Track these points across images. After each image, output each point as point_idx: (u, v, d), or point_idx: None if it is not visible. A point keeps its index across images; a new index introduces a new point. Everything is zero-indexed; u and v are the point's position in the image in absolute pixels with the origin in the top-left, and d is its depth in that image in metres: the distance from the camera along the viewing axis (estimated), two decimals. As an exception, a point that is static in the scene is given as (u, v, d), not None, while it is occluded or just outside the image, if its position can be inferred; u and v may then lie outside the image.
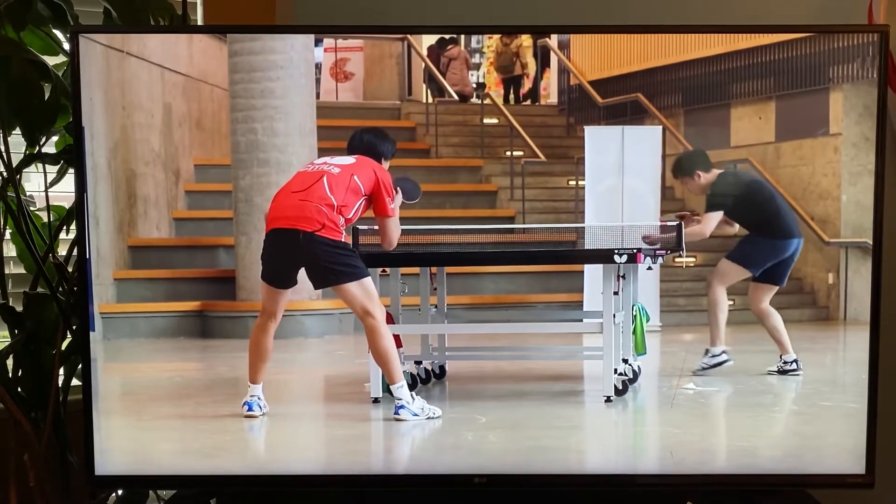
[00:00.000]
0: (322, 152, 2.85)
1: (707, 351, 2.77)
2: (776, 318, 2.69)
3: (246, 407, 2.52)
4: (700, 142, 2.88)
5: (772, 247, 2.71)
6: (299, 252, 2.51)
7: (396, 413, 2.51)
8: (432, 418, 2.51)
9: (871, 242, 2.24)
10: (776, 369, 2.71)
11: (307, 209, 2.49)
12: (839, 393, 2.47)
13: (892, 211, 2.26)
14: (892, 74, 2.62)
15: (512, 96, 3.94)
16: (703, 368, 2.76)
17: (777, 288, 2.71)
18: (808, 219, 2.74)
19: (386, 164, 2.61)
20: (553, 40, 3.46)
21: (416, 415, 2.51)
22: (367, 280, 2.54)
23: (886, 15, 2.62)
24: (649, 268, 2.69)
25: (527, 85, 3.94)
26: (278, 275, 2.55)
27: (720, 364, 2.75)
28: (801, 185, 2.73)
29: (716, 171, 2.69)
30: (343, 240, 2.52)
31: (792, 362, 2.70)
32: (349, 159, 2.57)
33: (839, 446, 2.29)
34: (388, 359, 2.53)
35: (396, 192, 2.60)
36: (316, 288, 2.60)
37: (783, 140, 2.87)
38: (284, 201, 2.52)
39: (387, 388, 2.66)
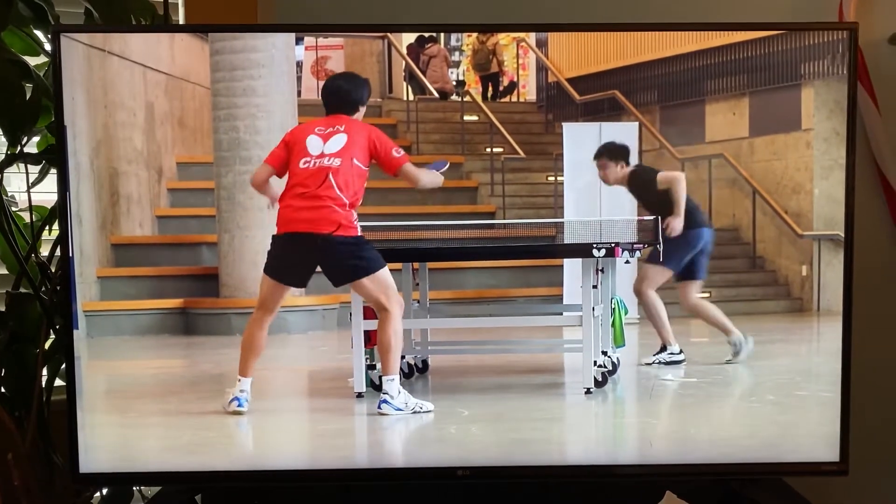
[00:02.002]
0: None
1: (664, 348, 2.81)
2: (709, 307, 2.74)
3: (235, 402, 2.53)
4: (676, 137, 2.92)
5: (684, 240, 2.76)
6: (317, 254, 2.53)
7: (379, 407, 2.53)
8: (419, 412, 2.53)
9: (842, 235, 2.28)
10: (731, 356, 2.75)
11: (321, 212, 2.51)
12: (813, 382, 2.51)
13: (862, 204, 2.31)
14: (861, 71, 2.67)
15: (490, 93, 3.96)
16: (658, 363, 2.80)
17: (700, 282, 2.77)
18: (781, 212, 2.78)
19: (363, 108, 2.59)
20: (531, 38, 3.48)
21: (399, 409, 2.52)
22: (383, 272, 2.54)
23: (856, 12, 2.67)
24: (627, 261, 2.73)
25: (505, 82, 3.96)
26: (290, 274, 2.57)
27: (676, 363, 2.79)
28: (775, 180, 2.77)
29: (632, 165, 2.76)
30: (357, 231, 2.53)
31: (738, 343, 2.74)
32: (340, 139, 2.54)
33: (814, 435, 2.33)
34: (392, 351, 2.56)
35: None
36: (336, 285, 2.60)
37: (757, 135, 2.91)
38: (294, 203, 2.53)
39: (370, 383, 2.69)
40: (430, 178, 2.60)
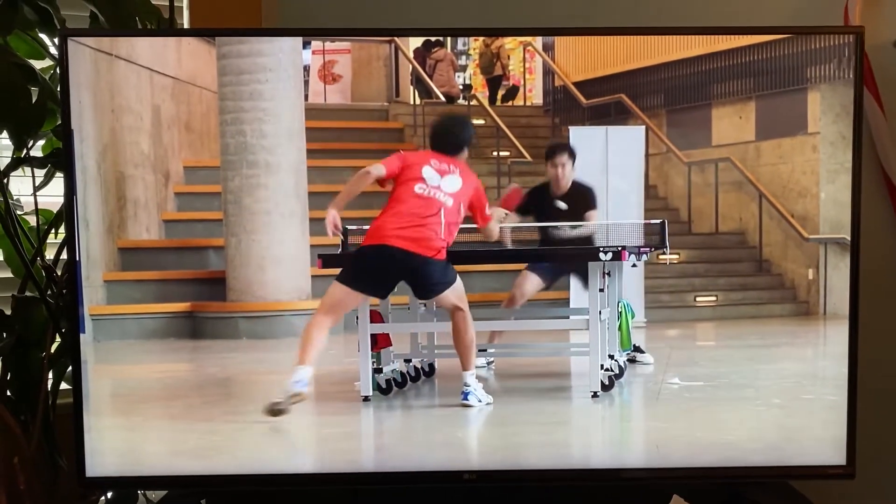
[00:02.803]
0: (311, 154, 2.86)
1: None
2: None
3: (297, 385, 2.53)
4: (682, 141, 2.92)
5: None
6: (409, 272, 2.63)
7: (466, 398, 2.60)
8: (489, 404, 2.60)
9: (849, 238, 2.28)
10: None
11: (425, 237, 2.61)
12: (820, 386, 2.51)
13: (868, 207, 2.31)
14: (867, 74, 2.67)
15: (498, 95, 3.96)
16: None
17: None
18: (788, 216, 2.78)
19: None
20: (538, 42, 3.49)
21: (480, 400, 2.59)
22: (459, 282, 2.64)
23: (861, 16, 2.67)
24: (634, 265, 2.73)
25: (509, 85, 3.96)
26: (372, 285, 2.65)
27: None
28: (781, 183, 2.77)
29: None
30: (445, 255, 2.64)
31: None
32: (455, 181, 2.66)
33: (821, 438, 2.33)
34: (470, 349, 2.64)
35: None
36: (420, 299, 2.77)
37: (763, 139, 2.90)
38: (403, 221, 2.61)
39: (377, 387, 2.69)
40: (495, 236, 2.76)
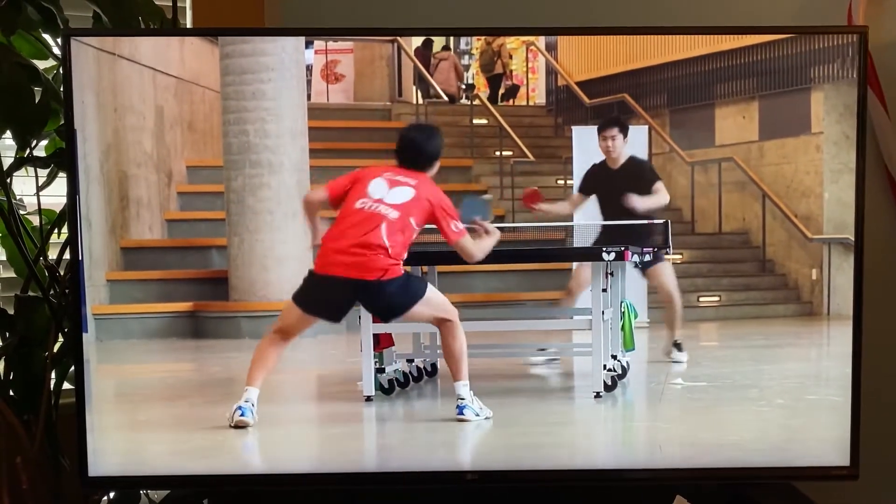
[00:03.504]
0: (314, 154, 2.86)
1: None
2: None
3: (238, 412, 2.45)
4: (685, 141, 2.91)
5: None
6: (360, 297, 2.51)
7: (461, 413, 2.49)
8: (489, 418, 2.50)
9: (853, 238, 2.27)
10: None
11: (367, 260, 2.46)
12: (823, 387, 2.51)
13: (872, 207, 2.30)
14: (871, 74, 2.66)
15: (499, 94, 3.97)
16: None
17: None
18: (791, 216, 2.78)
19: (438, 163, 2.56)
20: (541, 42, 3.49)
21: (477, 414, 2.49)
22: (429, 294, 2.51)
23: (865, 16, 2.66)
24: (636, 265, 2.73)
25: (510, 84, 3.97)
26: (325, 310, 2.53)
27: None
28: (785, 183, 2.77)
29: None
30: (402, 271, 2.49)
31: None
32: (405, 193, 2.50)
33: (824, 439, 2.33)
34: (460, 358, 2.51)
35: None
36: (385, 321, 2.59)
37: (766, 139, 2.90)
38: (341, 245, 2.48)
39: (379, 387, 2.69)
40: (485, 250, 2.55)
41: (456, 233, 2.51)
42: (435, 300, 2.52)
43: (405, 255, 2.49)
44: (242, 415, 2.46)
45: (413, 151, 2.54)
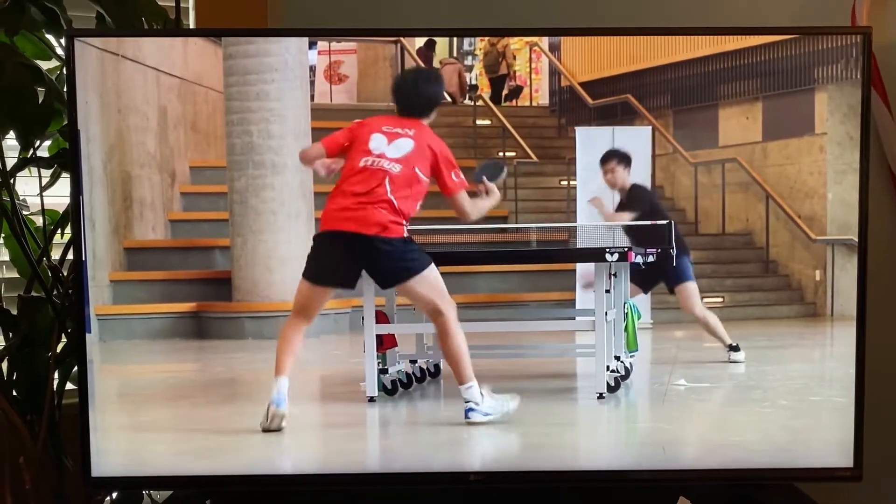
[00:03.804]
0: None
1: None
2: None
3: (273, 406, 2.40)
4: (689, 141, 2.91)
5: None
6: (359, 255, 2.45)
7: (467, 416, 2.44)
8: (509, 412, 2.43)
9: (856, 239, 2.27)
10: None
11: (369, 213, 2.41)
12: (827, 388, 2.50)
13: (876, 208, 2.30)
14: (875, 75, 2.66)
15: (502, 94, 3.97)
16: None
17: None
18: (795, 216, 2.78)
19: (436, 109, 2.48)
20: (544, 42, 3.49)
21: (488, 414, 2.43)
22: (430, 272, 2.44)
23: (869, 16, 2.66)
24: (640, 266, 2.73)
25: (514, 85, 3.97)
26: (333, 275, 2.47)
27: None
28: (788, 184, 2.76)
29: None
30: (405, 235, 2.43)
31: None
32: (405, 144, 2.44)
33: (828, 440, 2.32)
34: (459, 359, 2.44)
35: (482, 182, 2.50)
36: (383, 288, 2.53)
37: (770, 140, 2.90)
38: (343, 202, 2.43)
39: (382, 387, 2.69)
40: (481, 210, 2.51)
41: (456, 183, 2.46)
42: (435, 282, 2.45)
43: (412, 213, 2.43)
44: (278, 406, 2.41)
45: (409, 95, 2.48)
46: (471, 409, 2.44)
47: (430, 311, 2.46)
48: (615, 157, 2.81)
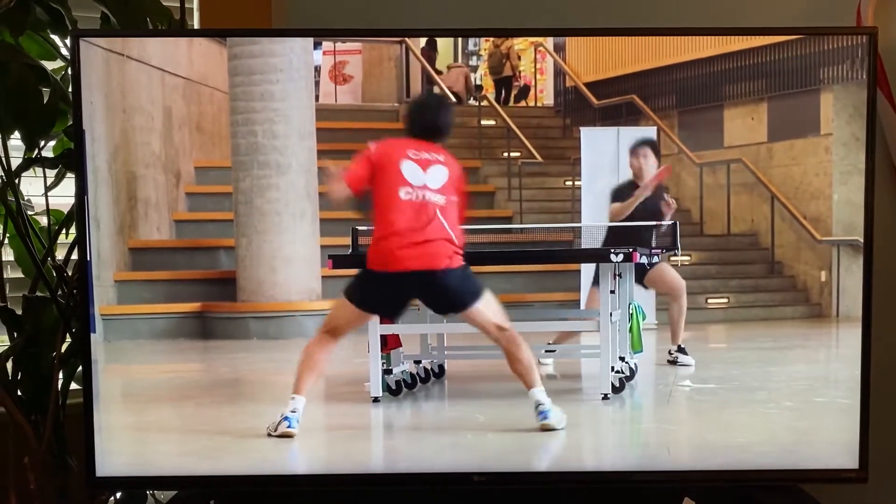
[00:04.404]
0: (322, 154, 2.86)
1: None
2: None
3: (286, 423, 2.39)
4: (694, 142, 2.91)
5: None
6: (426, 290, 2.43)
7: (545, 418, 2.40)
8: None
9: (862, 240, 2.26)
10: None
11: (435, 250, 2.37)
12: (832, 389, 2.49)
13: (882, 209, 2.29)
14: (881, 75, 2.65)
15: (503, 97, 3.97)
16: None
17: None
18: (800, 217, 2.77)
19: None
20: (549, 43, 3.49)
21: (558, 417, 2.41)
22: (488, 294, 2.41)
23: (874, 17, 2.65)
24: (646, 267, 2.72)
25: (520, 85, 3.96)
26: (387, 308, 2.48)
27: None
28: (794, 185, 2.76)
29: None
30: (463, 261, 2.41)
31: None
32: (441, 172, 2.39)
33: (833, 442, 2.32)
34: (532, 365, 2.43)
35: None
36: (441, 314, 2.54)
37: (775, 140, 2.89)
38: (399, 239, 2.37)
39: (386, 388, 2.68)
40: None
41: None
42: (493, 303, 2.43)
43: (463, 239, 2.41)
44: (290, 426, 2.40)
45: (440, 124, 2.44)
46: (548, 411, 2.41)
47: (495, 328, 2.43)
48: (649, 144, 2.79)
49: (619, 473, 2.31)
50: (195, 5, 2.84)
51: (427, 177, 2.37)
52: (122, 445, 2.36)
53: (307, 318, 2.89)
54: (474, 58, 4.00)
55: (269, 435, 2.41)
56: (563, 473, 2.29)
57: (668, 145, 2.89)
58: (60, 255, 2.58)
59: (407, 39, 3.42)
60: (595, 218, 2.87)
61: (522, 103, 4.02)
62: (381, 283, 2.42)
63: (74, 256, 2.39)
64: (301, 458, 2.43)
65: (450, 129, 2.45)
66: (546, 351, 2.85)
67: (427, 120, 2.44)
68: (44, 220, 2.60)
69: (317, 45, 2.75)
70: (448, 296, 2.42)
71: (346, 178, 2.36)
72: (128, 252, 2.80)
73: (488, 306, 2.41)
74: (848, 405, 2.28)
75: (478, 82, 3.86)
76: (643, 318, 2.81)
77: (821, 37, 2.38)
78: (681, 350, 2.80)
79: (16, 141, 2.48)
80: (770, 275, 2.98)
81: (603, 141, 2.86)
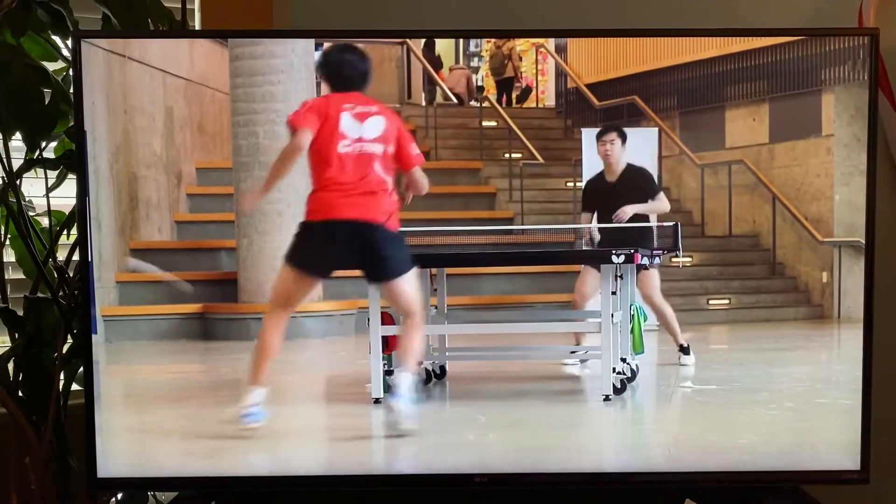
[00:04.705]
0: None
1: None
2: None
3: (248, 419, 2.39)
4: (695, 143, 2.91)
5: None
6: (361, 244, 2.40)
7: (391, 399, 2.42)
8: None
9: (863, 241, 2.26)
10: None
11: (376, 199, 2.37)
12: (834, 390, 2.49)
13: (883, 210, 2.29)
14: (882, 76, 2.65)
15: (504, 98, 3.97)
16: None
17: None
18: (801, 218, 2.77)
19: None
20: (550, 44, 3.48)
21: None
22: (414, 272, 2.44)
23: (876, 18, 2.65)
24: (647, 268, 2.72)
25: (523, 86, 3.96)
26: (322, 265, 2.44)
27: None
28: (795, 186, 2.76)
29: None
30: (399, 226, 2.40)
31: None
32: (378, 123, 2.39)
33: (834, 443, 2.31)
34: (413, 350, 2.48)
35: None
36: (371, 282, 2.52)
37: (777, 141, 2.89)
38: (339, 188, 2.36)
39: (387, 388, 2.68)
40: (426, 187, 2.48)
41: (417, 156, 2.44)
42: (415, 282, 2.45)
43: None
44: (256, 420, 2.39)
45: (353, 70, 2.43)
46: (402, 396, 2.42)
47: (408, 308, 2.46)
48: (615, 130, 2.79)
49: (621, 474, 2.31)
50: (196, 6, 2.85)
51: (363, 128, 2.37)
52: (123, 446, 2.36)
53: (308, 318, 2.89)
54: (476, 59, 4.00)
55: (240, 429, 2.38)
56: (565, 475, 2.29)
57: (670, 146, 2.89)
58: (62, 255, 2.58)
59: (408, 41, 3.42)
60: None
61: (525, 105, 4.01)
62: (318, 234, 2.41)
63: (76, 257, 2.39)
64: (302, 459, 2.43)
65: (366, 73, 2.44)
66: (572, 352, 2.85)
67: (340, 69, 2.43)
68: (45, 221, 2.60)
69: (318, 47, 2.75)
70: (384, 255, 2.41)
71: (300, 123, 2.36)
72: (129, 253, 2.79)
73: (411, 283, 2.44)
74: (849, 406, 2.28)
75: (479, 83, 3.86)
76: (644, 320, 2.81)
77: (822, 38, 2.38)
78: (682, 350, 2.79)
79: (17, 142, 2.48)
80: (771, 276, 2.98)
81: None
